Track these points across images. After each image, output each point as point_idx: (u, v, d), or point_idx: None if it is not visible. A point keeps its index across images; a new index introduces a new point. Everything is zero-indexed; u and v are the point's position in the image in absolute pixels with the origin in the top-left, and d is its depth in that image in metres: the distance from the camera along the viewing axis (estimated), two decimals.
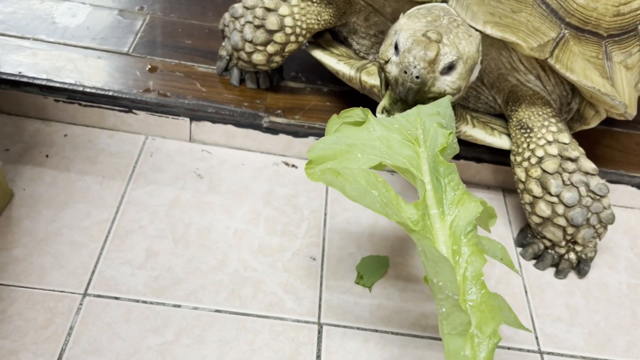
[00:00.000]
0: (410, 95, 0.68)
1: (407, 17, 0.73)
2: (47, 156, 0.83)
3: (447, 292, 0.52)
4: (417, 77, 0.67)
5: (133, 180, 0.82)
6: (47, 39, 0.93)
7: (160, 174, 0.84)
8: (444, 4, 0.76)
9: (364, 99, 0.92)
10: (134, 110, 0.86)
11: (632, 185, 0.91)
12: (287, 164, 0.90)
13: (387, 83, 0.72)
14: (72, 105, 0.86)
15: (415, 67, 0.66)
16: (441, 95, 0.69)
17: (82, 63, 0.90)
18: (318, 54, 0.89)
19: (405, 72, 0.67)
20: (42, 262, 0.71)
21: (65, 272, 0.70)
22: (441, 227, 0.59)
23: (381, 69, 0.73)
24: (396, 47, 0.70)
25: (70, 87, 0.85)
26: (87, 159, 0.84)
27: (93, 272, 0.71)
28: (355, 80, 0.85)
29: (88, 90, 0.85)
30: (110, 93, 0.85)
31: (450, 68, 0.69)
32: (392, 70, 0.69)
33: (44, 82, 0.85)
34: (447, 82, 0.69)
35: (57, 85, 0.85)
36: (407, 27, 0.71)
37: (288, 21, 0.83)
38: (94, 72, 0.88)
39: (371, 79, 0.83)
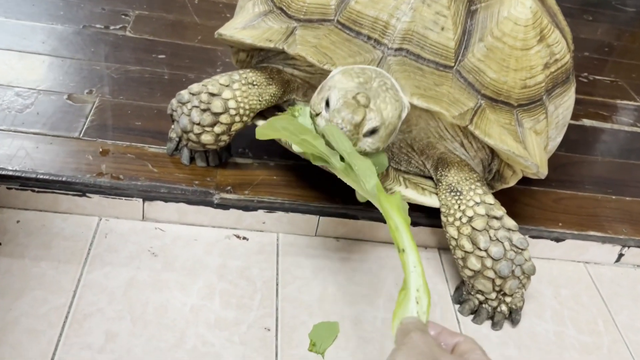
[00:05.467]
0: None
1: (341, 73, 0.80)
2: (0, 244, 0.84)
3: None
4: None
5: (89, 263, 0.85)
6: None
7: (115, 255, 0.87)
8: (377, 68, 0.84)
9: (310, 171, 0.99)
10: (88, 194, 0.89)
11: (552, 239, 1.01)
12: (238, 237, 0.94)
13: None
14: (24, 192, 0.88)
15: (342, 128, 0.74)
16: (360, 152, 0.78)
17: (34, 150, 0.92)
18: (260, 123, 0.95)
19: None
20: (0, 353, 0.71)
21: None
22: None
23: (312, 117, 0.81)
24: (327, 103, 0.77)
25: (23, 175, 0.88)
26: (42, 244, 0.86)
27: None
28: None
29: (41, 177, 0.88)
30: (64, 178, 0.88)
31: (372, 132, 0.78)
32: (321, 124, 0.77)
33: None
34: (367, 143, 0.78)
35: (10, 173, 0.87)
36: (339, 86, 0.78)
37: (232, 104, 0.90)
38: (46, 159, 0.91)
39: None
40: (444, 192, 0.90)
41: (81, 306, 0.79)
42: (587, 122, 1.36)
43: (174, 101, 0.93)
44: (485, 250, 0.84)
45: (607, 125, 1.37)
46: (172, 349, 0.76)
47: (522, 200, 1.06)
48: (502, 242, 0.84)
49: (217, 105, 0.89)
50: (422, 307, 0.63)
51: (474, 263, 0.84)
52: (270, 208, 0.94)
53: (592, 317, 0.94)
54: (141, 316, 0.79)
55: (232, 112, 0.90)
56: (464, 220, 0.85)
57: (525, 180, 1.01)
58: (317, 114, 0.78)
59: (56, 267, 0.83)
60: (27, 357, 0.72)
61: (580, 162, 1.22)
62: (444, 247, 1.00)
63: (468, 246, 0.84)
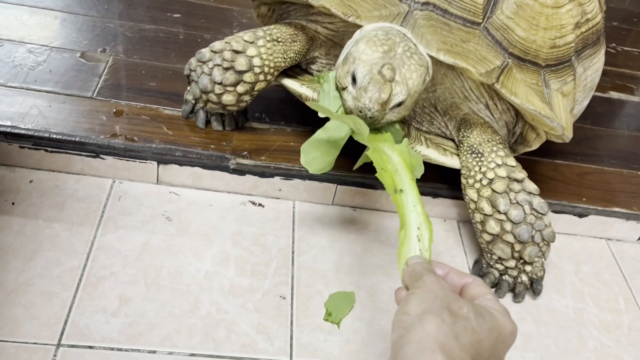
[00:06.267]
0: None
1: (365, 41, 0.78)
2: (13, 204, 0.83)
3: None
4: (370, 117, 0.75)
5: (102, 226, 0.83)
6: (10, 84, 0.93)
7: (129, 218, 0.85)
8: (401, 27, 0.82)
9: None
10: (102, 155, 0.87)
11: (574, 215, 0.98)
12: (254, 203, 0.93)
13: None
14: (37, 151, 0.86)
15: (369, 109, 0.74)
16: (388, 122, 0.79)
17: (47, 108, 0.90)
18: (282, 80, 0.92)
19: (360, 112, 0.75)
20: (13, 314, 0.71)
21: (38, 323, 0.71)
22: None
23: (338, 89, 0.80)
24: (353, 78, 0.77)
25: (36, 134, 0.85)
26: (55, 205, 0.84)
27: (66, 322, 0.71)
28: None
29: (54, 136, 0.86)
30: (77, 139, 0.86)
31: (399, 105, 0.77)
32: (349, 100, 0.78)
33: (8, 129, 0.85)
34: (394, 114, 0.78)
35: (22, 132, 0.85)
36: (364, 58, 0.77)
37: (256, 61, 0.87)
38: (59, 118, 0.89)
39: None
40: (465, 153, 0.87)
41: (95, 269, 0.78)
42: (613, 94, 1.32)
43: (193, 60, 0.89)
44: (505, 214, 0.82)
45: (635, 98, 1.32)
46: (186, 314, 0.75)
47: (545, 174, 1.03)
48: (522, 206, 0.82)
49: (241, 63, 0.86)
50: (423, 244, 0.65)
51: (493, 226, 0.82)
52: (287, 175, 0.91)
53: (612, 295, 0.92)
54: (155, 281, 0.78)
55: (257, 70, 0.87)
56: (484, 182, 0.83)
57: (548, 154, 0.98)
58: (344, 88, 0.78)
59: (69, 228, 0.82)
60: (41, 318, 0.71)
61: (606, 135, 1.18)
62: (463, 220, 0.98)
63: (487, 209, 0.82)
